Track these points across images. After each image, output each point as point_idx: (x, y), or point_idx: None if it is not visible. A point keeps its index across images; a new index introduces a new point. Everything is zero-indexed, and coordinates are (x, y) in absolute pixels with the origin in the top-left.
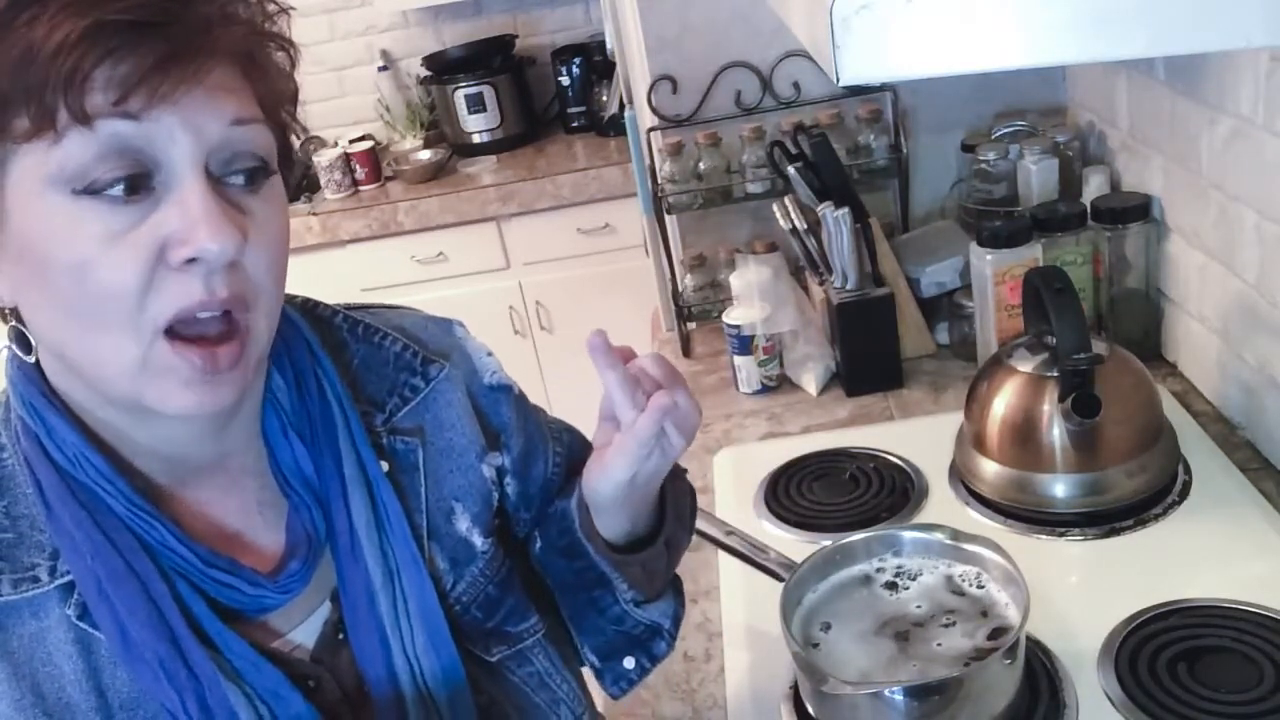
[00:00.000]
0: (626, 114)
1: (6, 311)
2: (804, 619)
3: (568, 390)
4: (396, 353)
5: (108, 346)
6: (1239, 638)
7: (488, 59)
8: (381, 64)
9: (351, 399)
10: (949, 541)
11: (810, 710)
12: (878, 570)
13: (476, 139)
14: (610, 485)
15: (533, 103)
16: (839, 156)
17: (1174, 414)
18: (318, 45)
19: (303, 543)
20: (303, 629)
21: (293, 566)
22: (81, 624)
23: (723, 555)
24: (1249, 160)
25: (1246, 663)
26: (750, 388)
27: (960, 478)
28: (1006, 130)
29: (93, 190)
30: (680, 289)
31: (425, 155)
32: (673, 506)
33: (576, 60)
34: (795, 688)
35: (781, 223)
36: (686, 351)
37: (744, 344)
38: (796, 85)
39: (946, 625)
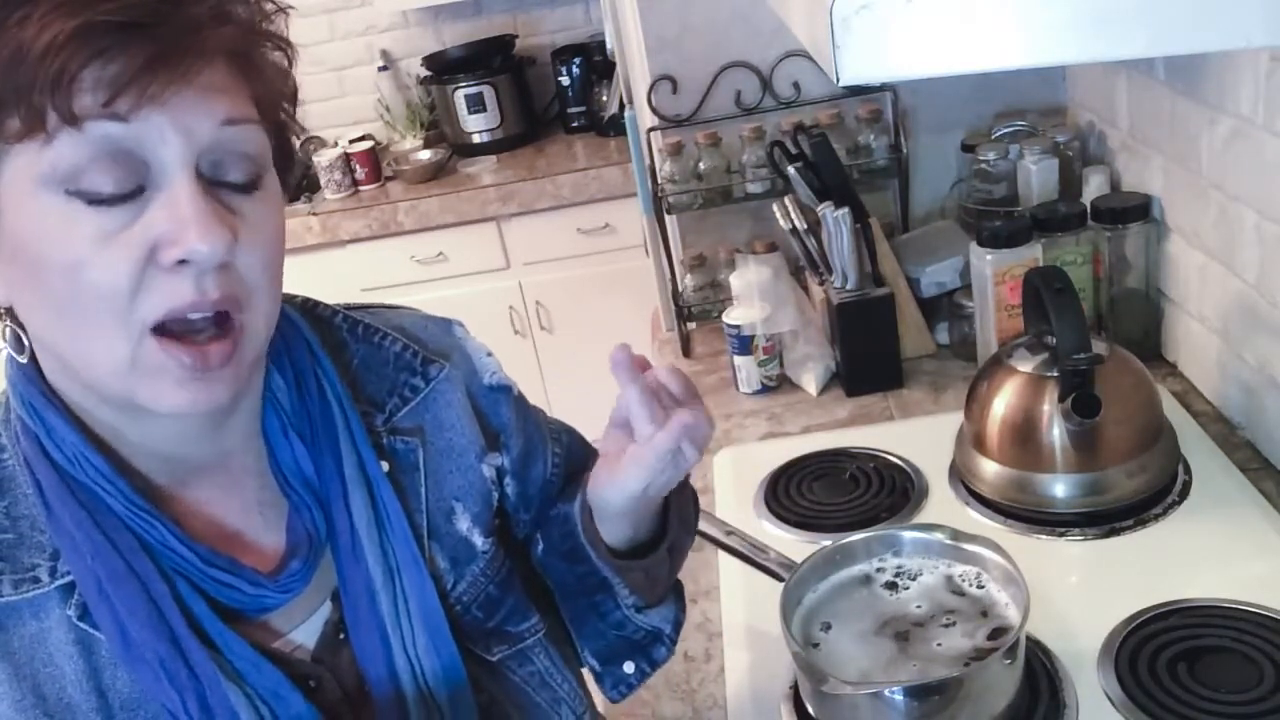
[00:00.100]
0: (626, 114)
1: (2, 311)
2: (804, 619)
3: (567, 390)
4: (396, 353)
5: (99, 346)
6: (1239, 638)
7: (488, 59)
8: (381, 64)
9: (351, 399)
10: (949, 541)
11: (810, 710)
12: (878, 570)
13: (476, 139)
14: (622, 496)
15: (533, 103)
16: (839, 156)
17: (1174, 414)
18: (318, 45)
19: (303, 542)
20: (303, 629)
21: (293, 566)
22: (82, 624)
23: (723, 555)
24: (1249, 160)
25: (1246, 663)
26: (750, 388)
27: (960, 478)
28: (1006, 130)
29: (84, 191)
30: (680, 289)
31: (425, 155)
32: (677, 513)
33: (576, 60)
34: (795, 688)
35: (781, 223)
36: (686, 351)
37: (744, 344)
38: (796, 85)
39: (946, 625)
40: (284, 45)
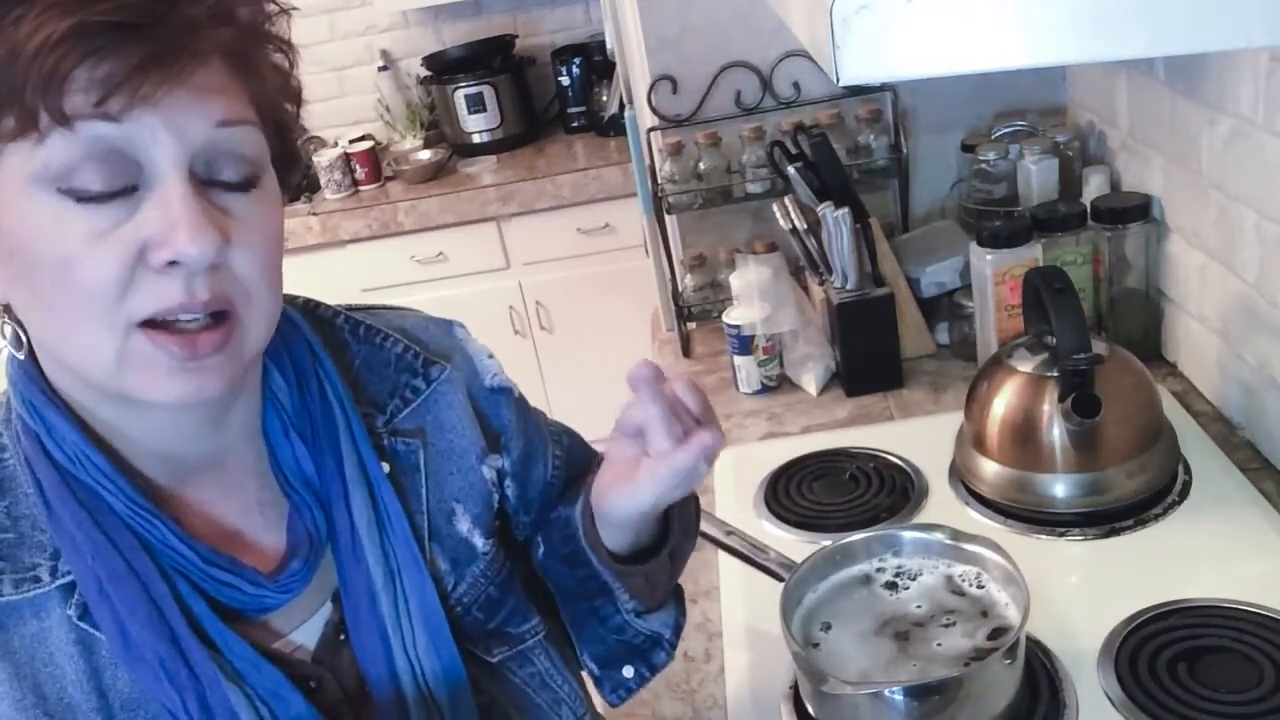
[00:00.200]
0: (626, 114)
1: (1, 308)
2: (804, 619)
3: (567, 390)
4: (398, 354)
5: (85, 342)
6: (1239, 638)
7: (488, 59)
8: (381, 64)
9: (353, 400)
10: (949, 541)
11: (810, 710)
12: (878, 570)
13: (476, 139)
14: (634, 508)
15: (533, 103)
16: (839, 156)
17: (1174, 414)
18: (318, 45)
19: (304, 543)
20: (304, 629)
21: (294, 566)
22: (82, 624)
23: (723, 555)
24: (1249, 160)
25: (1246, 663)
26: (750, 388)
27: (960, 478)
28: (1006, 130)
29: (75, 190)
30: (680, 289)
31: (425, 155)
32: (678, 519)
33: (576, 60)
34: (795, 688)
35: (781, 223)
36: (686, 351)
37: (744, 344)
38: (796, 85)
39: (946, 625)
40: (284, 46)
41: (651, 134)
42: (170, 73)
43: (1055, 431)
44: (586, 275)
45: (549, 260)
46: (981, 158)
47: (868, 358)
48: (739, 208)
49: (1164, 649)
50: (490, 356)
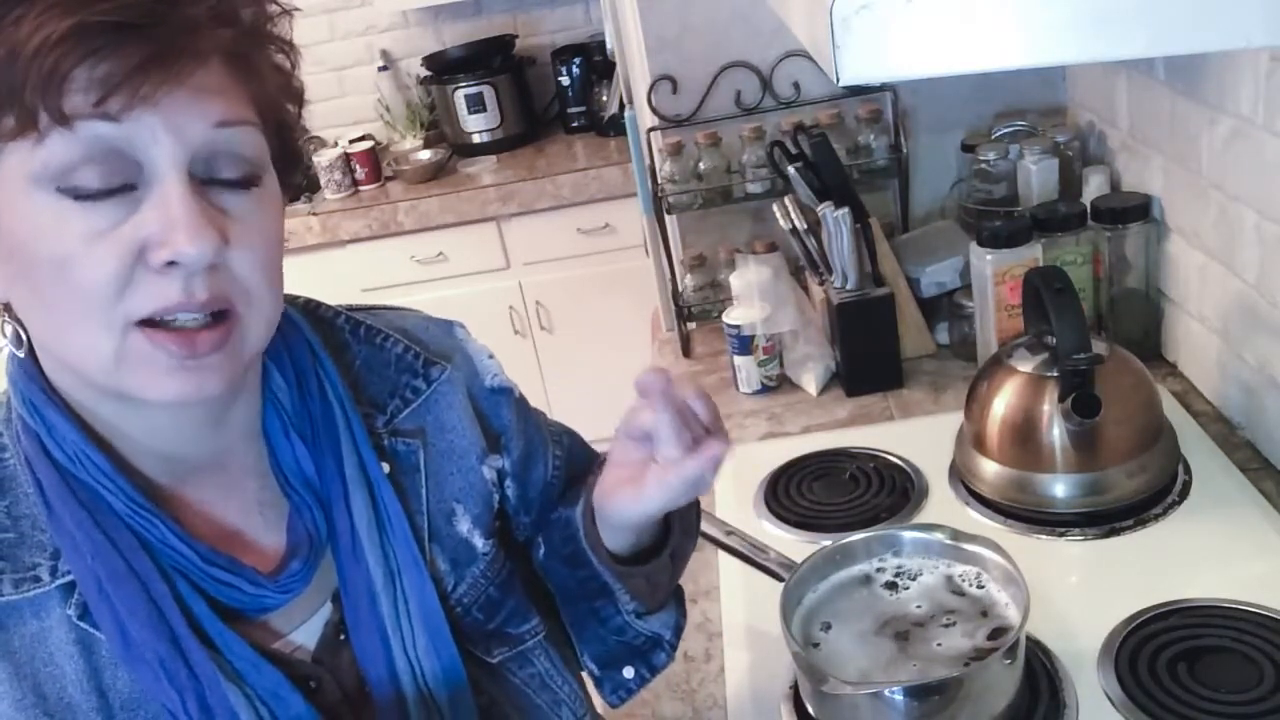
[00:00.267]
0: (626, 114)
1: (1, 307)
2: (804, 619)
3: (567, 390)
4: (398, 354)
5: (83, 341)
6: (1239, 638)
7: (488, 59)
8: (381, 64)
9: (353, 400)
10: (949, 541)
11: (810, 710)
12: (878, 570)
13: (476, 139)
14: (638, 513)
15: (533, 103)
16: (839, 156)
17: (1174, 414)
18: (318, 45)
19: (304, 543)
20: (304, 630)
21: (294, 566)
22: (82, 624)
23: (723, 555)
24: (1249, 160)
25: (1246, 663)
26: (750, 388)
27: (960, 478)
28: (1006, 130)
29: (74, 189)
30: (680, 289)
31: (425, 155)
32: (679, 520)
33: (576, 60)
34: (795, 688)
35: (781, 223)
36: (686, 351)
37: (744, 344)
38: (796, 85)
39: (946, 625)
40: (285, 47)
41: (651, 134)
42: (170, 73)
43: (1055, 431)
44: (586, 275)
45: (549, 260)
46: (981, 158)
47: (868, 358)
48: (739, 208)
49: (1164, 649)
50: (490, 357)
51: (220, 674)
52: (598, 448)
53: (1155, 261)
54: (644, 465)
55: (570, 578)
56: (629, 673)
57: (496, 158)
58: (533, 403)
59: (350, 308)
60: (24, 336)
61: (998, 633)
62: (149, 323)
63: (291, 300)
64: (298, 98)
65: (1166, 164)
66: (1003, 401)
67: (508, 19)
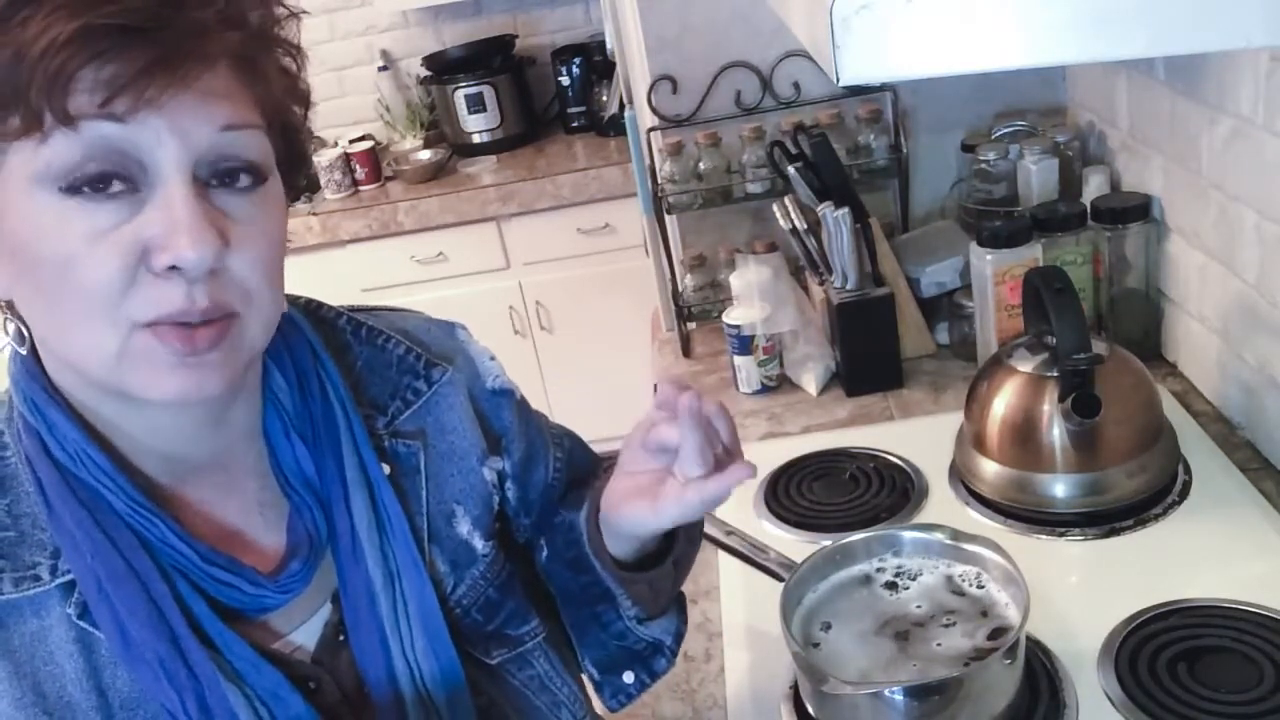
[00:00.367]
0: (626, 114)
1: (4, 305)
2: (804, 619)
3: (567, 390)
4: (400, 356)
5: (87, 339)
6: (1239, 638)
7: (488, 59)
8: (381, 64)
9: (354, 401)
10: (949, 541)
11: (810, 710)
12: (878, 570)
13: (476, 139)
14: (652, 525)
15: (533, 103)
16: (839, 156)
17: (1174, 414)
18: (318, 45)
19: (304, 543)
20: (303, 630)
21: (293, 567)
22: (82, 623)
23: (723, 555)
24: (1249, 160)
25: (1246, 663)
26: (750, 388)
27: (960, 478)
28: (1006, 130)
29: (78, 189)
30: (680, 289)
31: (425, 155)
32: (684, 528)
33: (576, 60)
34: (795, 688)
35: (781, 223)
36: (686, 351)
37: (744, 344)
38: (796, 85)
39: (946, 625)
40: (292, 50)
41: (651, 134)
42: (175, 77)
43: (1055, 431)
44: (586, 275)
45: (549, 260)
46: (981, 158)
47: (868, 358)
48: (739, 208)
49: (1164, 649)
50: (492, 359)
51: (220, 674)
52: (597, 448)
53: (1155, 261)
54: (658, 478)
55: (573, 582)
56: (629, 678)
57: (496, 158)
58: (533, 403)
59: (352, 308)
60: (26, 334)
61: (998, 633)
62: (150, 324)
63: (293, 300)
64: (304, 100)
65: (1166, 164)
66: (1003, 401)
67: (508, 19)
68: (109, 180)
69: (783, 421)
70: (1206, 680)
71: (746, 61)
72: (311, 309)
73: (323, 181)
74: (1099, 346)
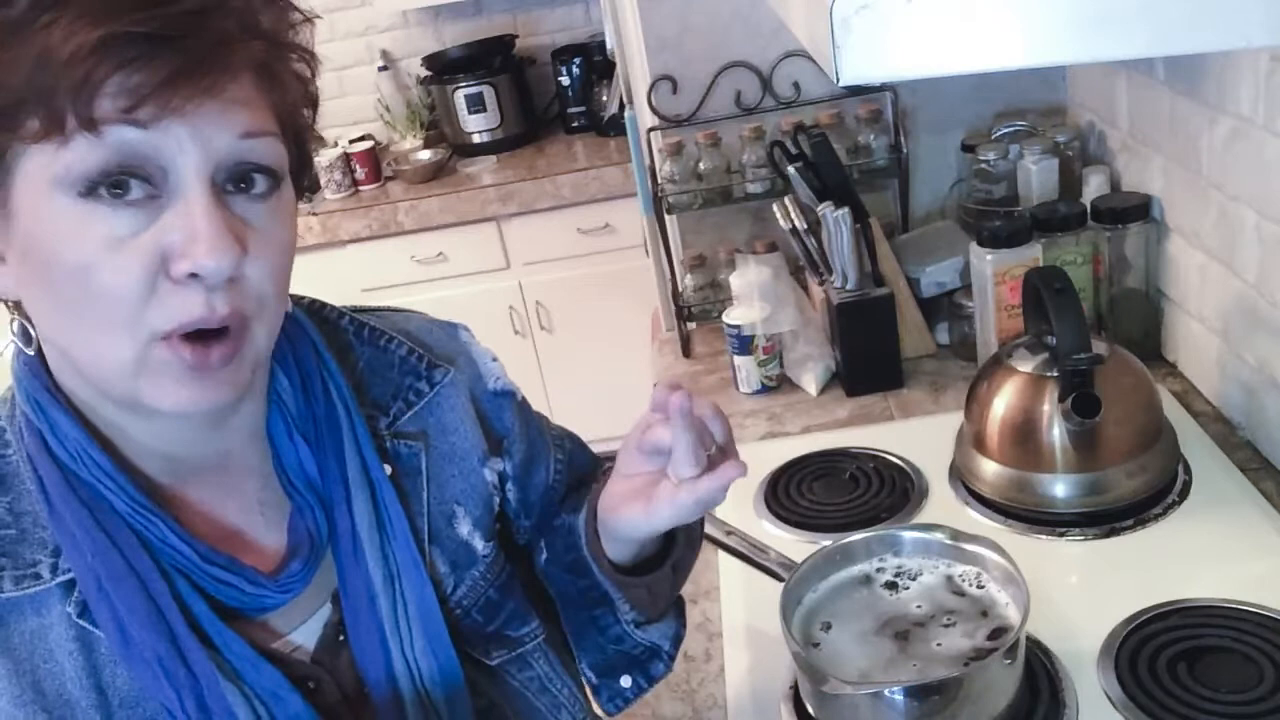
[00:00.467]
0: (626, 114)
1: (11, 305)
2: (804, 619)
3: (567, 390)
4: (402, 356)
5: (105, 347)
6: (1239, 638)
7: (488, 59)
8: (381, 64)
9: (357, 402)
10: (949, 541)
11: (810, 710)
12: (878, 570)
13: (476, 139)
14: (647, 528)
15: (533, 103)
16: (839, 156)
17: (1174, 414)
18: (318, 45)
19: (304, 543)
20: (303, 630)
21: (294, 567)
22: (82, 622)
23: (723, 555)
24: (1249, 160)
25: (1246, 663)
26: (750, 388)
27: (960, 478)
28: (1006, 130)
29: (97, 194)
30: (680, 289)
31: (425, 155)
32: (683, 531)
33: (576, 60)
34: (795, 688)
35: (781, 223)
36: (686, 351)
37: (744, 344)
38: (796, 85)
39: (946, 625)
40: (307, 56)
41: (651, 134)
42: (201, 86)
43: (1055, 431)
44: (586, 275)
45: (549, 260)
46: (981, 158)
47: (868, 358)
48: (739, 208)
49: (1164, 649)
50: (494, 360)
51: (219, 673)
52: (597, 448)
53: (1155, 261)
54: (653, 480)
55: (571, 585)
56: (626, 682)
57: (496, 158)
58: (533, 403)
59: (355, 309)
60: (33, 334)
61: (998, 633)
62: (169, 334)
63: (296, 301)
64: (314, 103)
65: (1166, 164)
66: (1003, 401)
67: (508, 19)
68: (129, 182)
69: (783, 421)
70: (1206, 680)
71: (746, 61)
72: (314, 309)
73: (323, 181)
74: (1099, 346)
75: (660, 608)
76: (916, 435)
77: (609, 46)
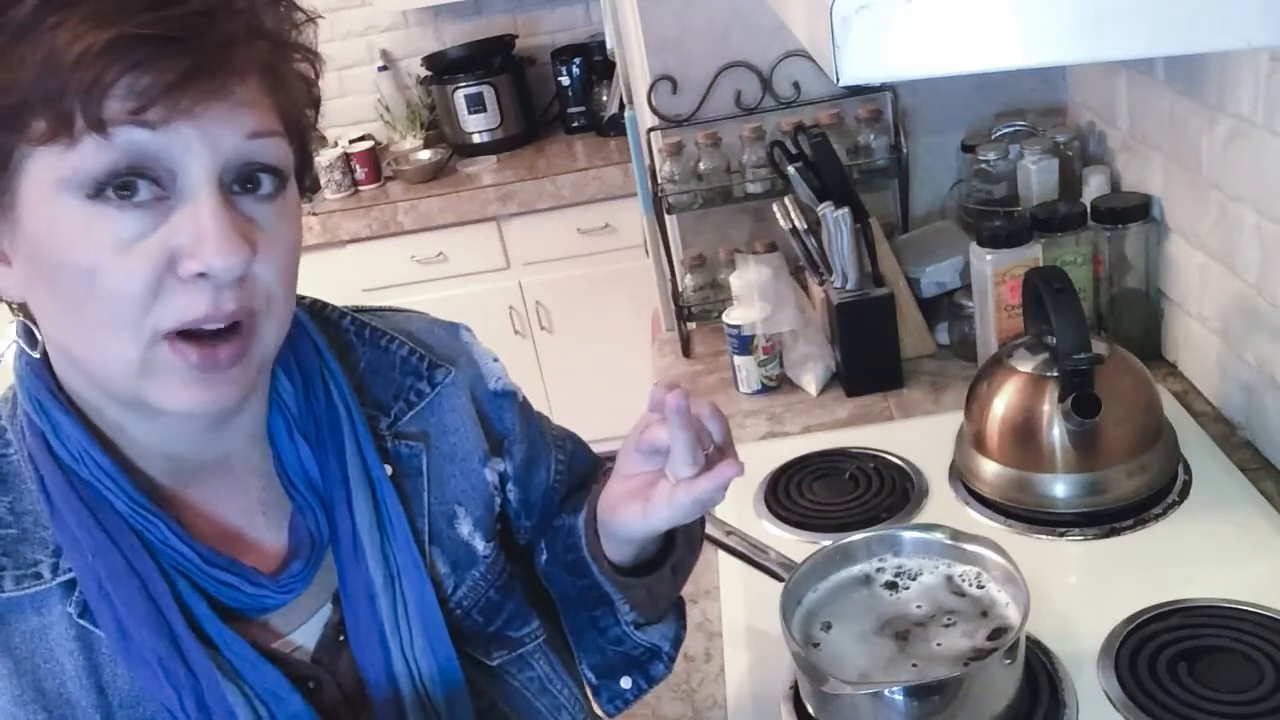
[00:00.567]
0: (626, 114)
1: (15, 306)
2: (804, 619)
3: (567, 390)
4: (403, 357)
5: (110, 348)
6: (1239, 638)
7: (488, 59)
8: (381, 64)
9: (358, 402)
10: (949, 541)
11: (810, 710)
12: (878, 570)
13: (476, 139)
14: (645, 529)
15: (533, 103)
16: (839, 156)
17: (1174, 414)
18: (318, 45)
19: (305, 544)
20: (304, 630)
21: (294, 567)
22: (82, 621)
23: (723, 555)
24: (1249, 160)
25: (1246, 663)
26: (750, 388)
27: (960, 478)
28: (1006, 130)
29: (105, 196)
30: (680, 289)
31: (425, 155)
32: (683, 532)
33: (576, 60)
34: (795, 688)
35: (781, 223)
36: (686, 351)
37: (744, 344)
38: (796, 85)
39: (947, 625)
40: (311, 57)
41: (651, 134)
42: (209, 88)
43: (1055, 431)
44: (586, 275)
45: (549, 260)
46: (981, 158)
47: (868, 358)
48: (739, 208)
49: (1164, 649)
50: (495, 360)
51: (219, 673)
52: (597, 448)
53: (1155, 261)
54: (652, 480)
55: (571, 585)
56: (626, 683)
57: (496, 158)
58: (533, 403)
59: (356, 309)
60: (39, 337)
61: (998, 633)
62: (173, 333)
63: (297, 300)
64: (317, 104)
65: (1166, 164)
66: (1003, 401)
67: (508, 19)
68: (137, 184)
69: (783, 421)
70: (1206, 680)
71: (746, 61)
72: (316, 309)
73: (323, 181)
74: (1099, 346)
75: (660, 609)
76: (916, 435)
77: (609, 46)
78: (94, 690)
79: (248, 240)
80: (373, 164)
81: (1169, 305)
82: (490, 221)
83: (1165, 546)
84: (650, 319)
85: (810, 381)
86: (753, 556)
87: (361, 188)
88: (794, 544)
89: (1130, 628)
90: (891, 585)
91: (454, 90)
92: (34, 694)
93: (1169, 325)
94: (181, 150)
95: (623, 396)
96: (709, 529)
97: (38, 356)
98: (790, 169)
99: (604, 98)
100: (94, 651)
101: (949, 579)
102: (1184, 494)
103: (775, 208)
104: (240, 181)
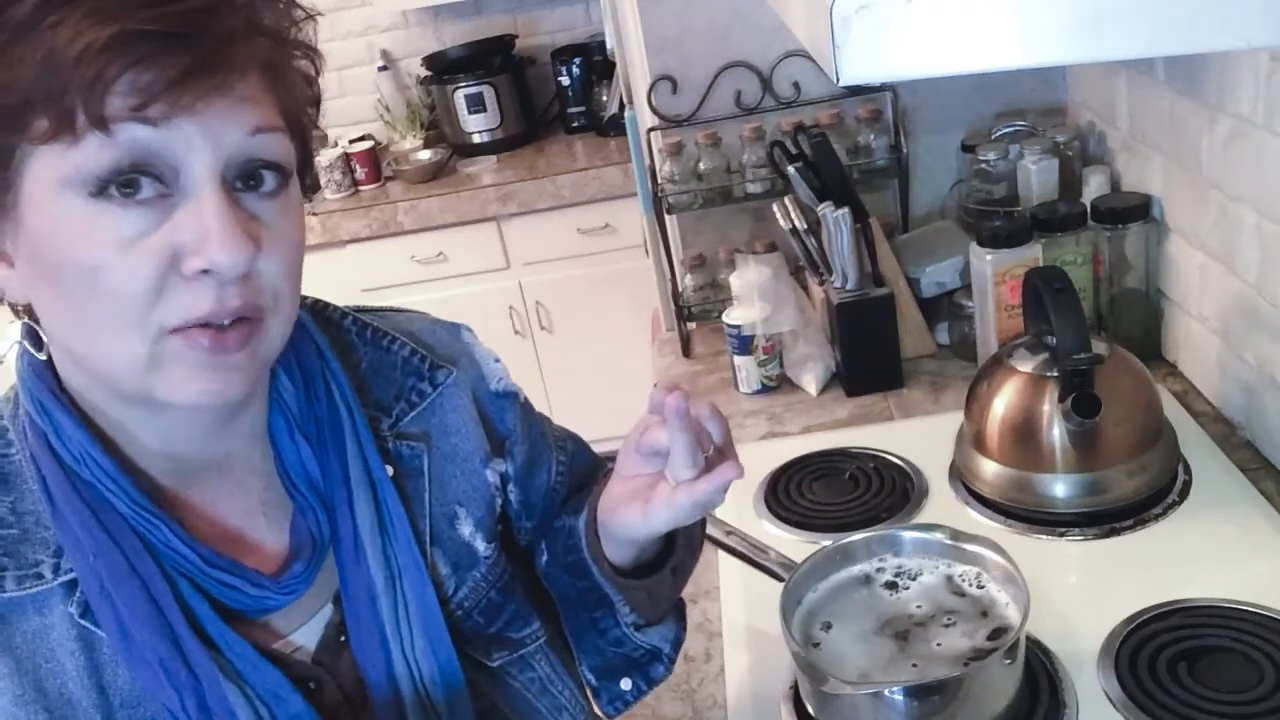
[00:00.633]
0: (626, 114)
1: (20, 308)
2: (804, 619)
3: (567, 390)
4: (404, 357)
5: (116, 345)
6: (1239, 638)
7: (488, 59)
8: (381, 64)
9: (359, 402)
10: (949, 541)
11: (810, 710)
12: (878, 570)
13: (476, 139)
14: (645, 530)
15: (533, 103)
16: (839, 156)
17: (1174, 414)
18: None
19: (307, 544)
20: (304, 630)
21: (296, 568)
22: (84, 622)
23: (723, 555)
24: (1249, 160)
25: (1246, 663)
26: (750, 388)
27: (960, 478)
28: (1006, 130)
29: (108, 194)
30: (680, 289)
31: (425, 155)
32: (683, 534)
33: (576, 60)
34: (795, 688)
35: (781, 223)
36: (686, 351)
37: (744, 344)
38: (796, 85)
39: (947, 625)
40: (311, 54)
41: (651, 134)
42: (211, 84)
43: (1055, 431)
44: (586, 275)
45: (549, 260)
46: (981, 158)
47: (868, 358)
48: (739, 208)
49: (1164, 649)
50: (497, 360)
51: (220, 673)
52: (598, 448)
53: (1155, 261)
54: (652, 482)
55: (571, 586)
56: (626, 684)
57: (496, 158)
58: (533, 403)
59: (358, 309)
60: (44, 339)
61: (998, 633)
62: (180, 327)
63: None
64: (317, 102)
65: (1166, 164)
66: (1003, 401)
67: (508, 19)
68: (140, 181)
69: (783, 421)
70: (1206, 680)
71: (746, 61)
72: (317, 309)
73: (323, 181)
74: (1099, 346)
75: (660, 610)
76: (916, 435)
77: (609, 46)
78: (95, 690)
79: (251, 237)
80: (373, 164)
81: (1169, 305)
82: (490, 221)
83: (1165, 546)
84: (650, 319)
85: (810, 381)
86: (753, 556)
87: (361, 188)
88: (794, 544)
89: (1130, 628)
90: (891, 585)
91: (454, 90)
92: (35, 694)
93: (1169, 325)
94: (184, 147)
95: (623, 396)
96: (709, 529)
97: (43, 359)
98: (790, 169)
99: (604, 98)
100: (95, 652)
101: (949, 579)
102: (1184, 494)
103: (775, 208)
104: (243, 178)
